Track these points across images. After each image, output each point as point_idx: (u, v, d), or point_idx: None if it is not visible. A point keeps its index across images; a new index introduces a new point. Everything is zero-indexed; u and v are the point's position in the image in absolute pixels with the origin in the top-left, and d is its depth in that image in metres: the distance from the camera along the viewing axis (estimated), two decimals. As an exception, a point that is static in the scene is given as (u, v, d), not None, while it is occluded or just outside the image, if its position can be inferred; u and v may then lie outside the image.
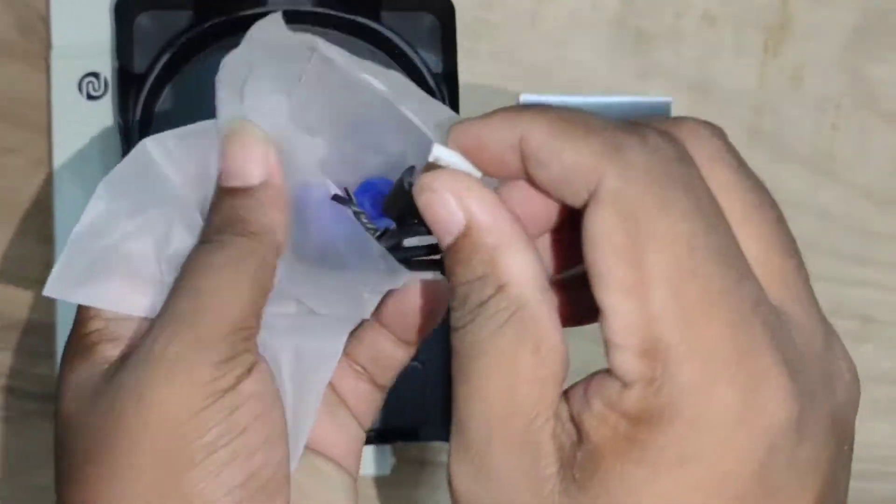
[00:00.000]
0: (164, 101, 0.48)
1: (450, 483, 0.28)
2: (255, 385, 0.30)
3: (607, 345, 0.26)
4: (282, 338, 0.33)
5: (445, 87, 0.47)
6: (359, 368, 0.37)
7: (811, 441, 0.26)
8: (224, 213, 0.31)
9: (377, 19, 0.48)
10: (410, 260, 0.33)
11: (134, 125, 0.47)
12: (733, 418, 0.25)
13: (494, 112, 0.28)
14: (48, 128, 0.49)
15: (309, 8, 0.48)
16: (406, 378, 0.47)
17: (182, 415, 0.29)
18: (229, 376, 0.29)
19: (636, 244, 0.26)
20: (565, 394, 0.27)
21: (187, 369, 0.29)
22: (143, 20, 0.47)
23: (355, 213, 0.34)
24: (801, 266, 0.28)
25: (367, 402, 0.37)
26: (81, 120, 0.48)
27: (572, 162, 0.26)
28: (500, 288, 0.27)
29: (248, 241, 0.31)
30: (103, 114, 0.48)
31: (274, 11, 0.47)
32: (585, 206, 0.26)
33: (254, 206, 0.31)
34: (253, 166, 0.32)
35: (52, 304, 0.48)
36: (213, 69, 0.47)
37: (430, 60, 0.48)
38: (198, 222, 0.32)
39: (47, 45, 0.49)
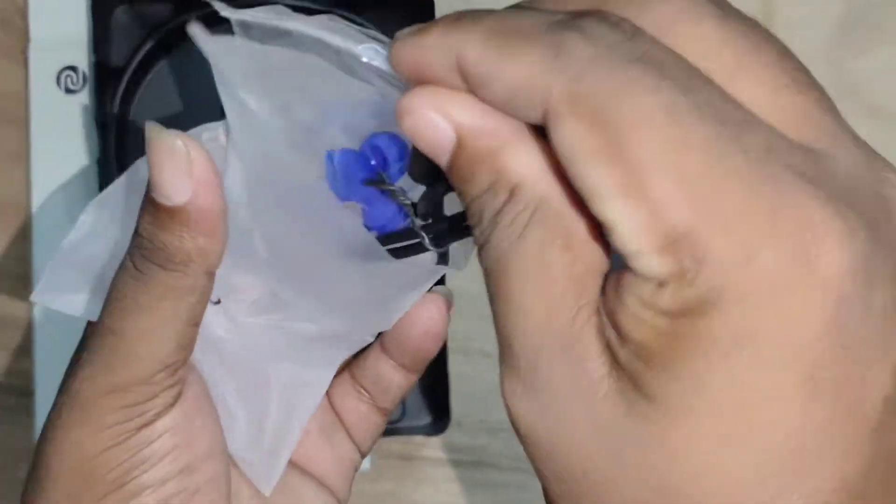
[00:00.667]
0: (142, 95, 0.47)
1: (508, 412, 0.26)
2: (175, 419, 0.31)
3: (625, 256, 0.23)
4: (271, 356, 0.32)
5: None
6: (361, 390, 0.36)
7: (885, 281, 0.23)
8: (148, 234, 0.29)
9: (359, 14, 0.48)
10: (446, 233, 0.30)
11: (112, 119, 0.46)
12: (784, 282, 0.22)
13: (432, 24, 0.26)
14: (25, 121, 0.49)
15: (289, 2, 0.47)
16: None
17: (91, 453, 0.30)
18: (145, 416, 0.30)
19: (611, 141, 0.23)
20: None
21: (98, 413, 0.30)
22: (121, 14, 0.47)
23: (390, 192, 0.31)
24: (822, 98, 0.25)
25: (366, 426, 0.36)
26: (59, 114, 0.48)
27: (514, 79, 0.24)
28: (513, 190, 0.24)
29: (171, 277, 0.29)
30: (81, 108, 0.48)
31: (253, 6, 0.47)
32: (546, 123, 0.24)
33: (177, 230, 0.29)
34: (176, 182, 0.29)
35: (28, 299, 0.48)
36: (192, 63, 0.48)
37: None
38: None
39: (25, 38, 0.48)
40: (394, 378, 0.35)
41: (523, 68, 0.24)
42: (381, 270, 0.31)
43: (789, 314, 0.22)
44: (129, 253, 0.30)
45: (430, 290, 0.33)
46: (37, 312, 0.48)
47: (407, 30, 0.26)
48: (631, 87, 0.23)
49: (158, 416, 0.30)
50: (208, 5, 0.47)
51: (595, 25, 0.24)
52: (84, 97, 0.48)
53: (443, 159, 0.25)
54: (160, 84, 0.47)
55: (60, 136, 0.48)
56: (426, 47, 0.25)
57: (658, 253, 0.23)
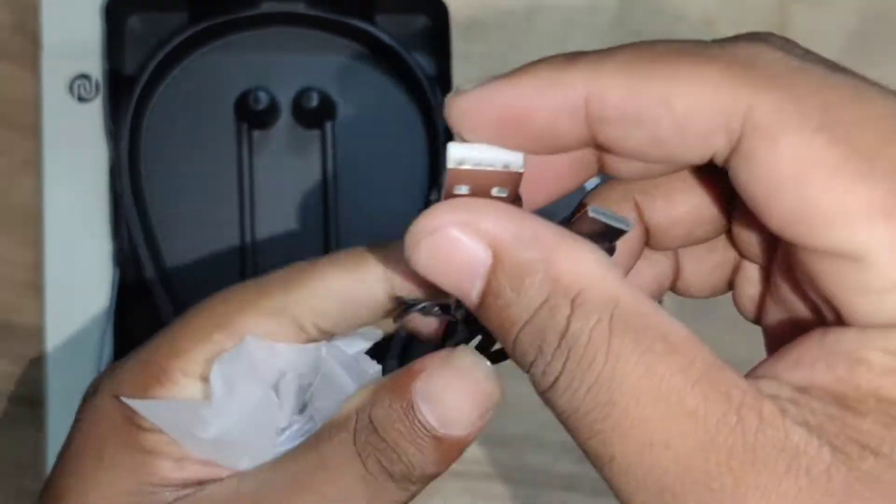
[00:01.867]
0: (155, 104, 0.47)
1: None
2: None
3: (860, 293, 0.19)
4: None
5: (439, 89, 0.47)
6: None
7: None
8: (394, 437, 0.25)
9: (371, 21, 0.48)
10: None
11: (124, 128, 0.46)
12: None
13: (522, 71, 0.21)
14: (37, 129, 0.48)
15: (302, 10, 0.47)
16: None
17: None
18: None
19: (862, 155, 0.19)
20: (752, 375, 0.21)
21: None
22: (135, 22, 0.47)
23: None
24: None
25: None
26: (72, 122, 0.47)
27: (691, 107, 0.20)
28: (576, 298, 0.20)
29: (401, 491, 0.26)
30: (94, 116, 0.47)
31: (266, 13, 0.47)
32: (738, 147, 0.20)
33: (428, 454, 0.25)
34: (458, 420, 0.25)
35: (40, 307, 0.48)
36: (205, 72, 0.47)
37: (423, 62, 0.48)
38: None
39: (38, 46, 0.48)
40: None
41: (705, 88, 0.20)
42: None
43: None
44: (362, 454, 0.25)
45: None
46: (48, 322, 0.48)
47: (471, 83, 0.22)
48: (862, 97, 0.20)
49: None
50: (221, 13, 0.47)
51: (769, 37, 0.21)
52: (97, 106, 0.47)
53: (474, 288, 0.21)
54: (173, 93, 0.47)
55: (73, 144, 0.47)
56: (532, 89, 0.21)
57: None
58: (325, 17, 0.47)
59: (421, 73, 0.47)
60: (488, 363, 0.25)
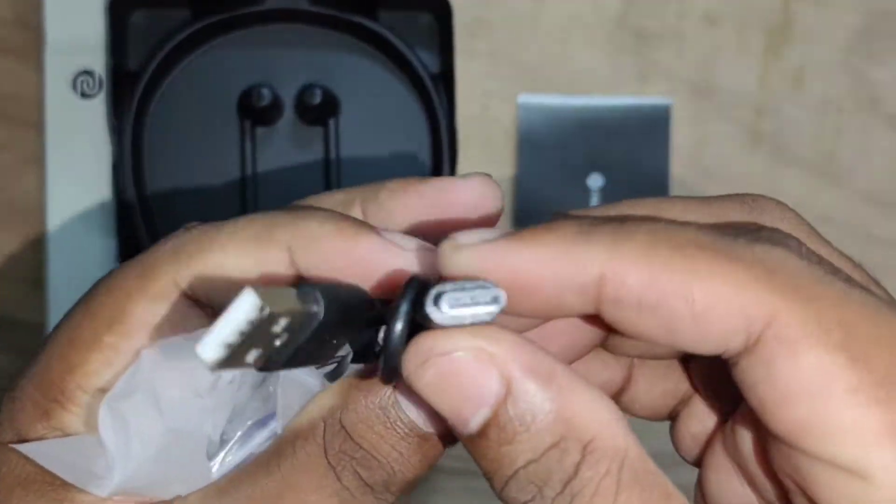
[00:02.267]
0: (158, 101, 0.47)
1: None
2: None
3: None
4: None
5: (442, 86, 0.47)
6: None
7: None
8: (373, 441, 0.23)
9: (374, 18, 0.48)
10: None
11: (128, 125, 0.46)
12: None
13: (532, 236, 0.20)
14: (40, 125, 0.48)
15: (305, 7, 0.47)
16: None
17: None
18: None
19: (880, 379, 0.19)
20: None
21: None
22: (138, 18, 0.47)
23: None
24: None
25: None
26: (75, 118, 0.47)
27: (712, 305, 0.19)
28: (587, 447, 0.20)
29: (379, 500, 0.24)
30: (98, 113, 0.47)
31: (270, 10, 0.47)
32: (741, 353, 0.20)
33: (409, 455, 0.23)
34: (469, 415, 0.21)
35: (43, 304, 0.48)
36: (209, 68, 0.47)
37: (427, 60, 0.47)
38: None
39: (41, 41, 0.48)
40: None
41: (729, 289, 0.19)
42: None
43: None
44: (336, 467, 0.23)
45: None
46: (50, 317, 0.48)
47: (469, 235, 0.20)
48: (880, 317, 0.20)
49: None
50: (225, 10, 0.47)
51: (788, 240, 0.21)
52: (100, 102, 0.47)
53: (475, 418, 0.20)
54: (176, 89, 0.47)
55: (76, 140, 0.47)
56: (539, 259, 0.20)
57: None
58: (329, 14, 0.47)
59: (424, 71, 0.47)
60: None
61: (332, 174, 0.48)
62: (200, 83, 0.47)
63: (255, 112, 0.47)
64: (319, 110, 0.47)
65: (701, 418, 0.26)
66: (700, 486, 0.26)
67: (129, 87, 0.46)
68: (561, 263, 0.20)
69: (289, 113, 0.48)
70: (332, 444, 0.23)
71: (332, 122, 0.48)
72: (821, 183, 0.53)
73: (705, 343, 0.20)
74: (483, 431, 0.20)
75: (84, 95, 0.48)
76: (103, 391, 0.24)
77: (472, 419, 0.20)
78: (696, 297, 0.20)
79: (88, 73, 0.48)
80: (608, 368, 0.26)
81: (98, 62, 0.47)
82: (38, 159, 0.49)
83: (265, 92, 0.47)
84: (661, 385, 0.26)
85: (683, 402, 0.26)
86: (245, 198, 0.47)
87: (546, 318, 0.22)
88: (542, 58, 0.52)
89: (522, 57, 0.52)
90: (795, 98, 0.53)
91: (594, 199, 0.52)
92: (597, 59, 0.52)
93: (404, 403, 0.22)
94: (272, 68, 0.47)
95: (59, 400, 0.24)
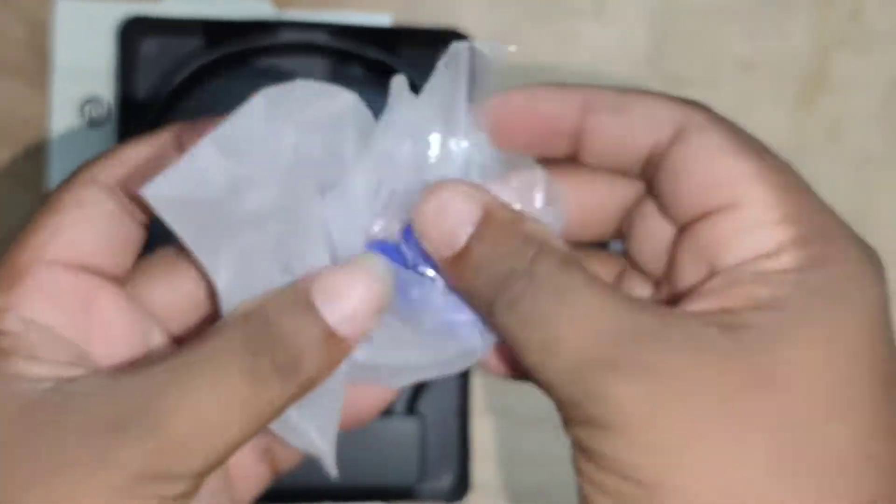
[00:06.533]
0: (167, 130, 0.46)
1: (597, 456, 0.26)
2: None
3: (748, 230, 0.27)
4: None
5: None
6: (266, 445, 0.32)
7: None
8: (291, 333, 0.27)
9: (393, 54, 0.46)
10: None
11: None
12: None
13: (534, 85, 0.30)
14: (45, 151, 0.47)
15: (322, 41, 0.46)
16: (402, 431, 0.45)
17: None
18: None
19: (750, 146, 0.28)
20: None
21: (134, 495, 0.25)
22: (149, 45, 0.46)
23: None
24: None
25: (254, 484, 0.32)
26: (81, 145, 0.46)
27: (656, 105, 0.29)
28: (541, 245, 0.27)
29: (286, 391, 0.27)
30: (105, 141, 0.46)
31: (285, 43, 0.46)
32: (677, 135, 0.28)
33: (321, 355, 0.27)
34: (355, 316, 0.27)
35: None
36: (221, 100, 0.46)
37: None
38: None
39: (49, 65, 0.47)
40: None
41: (665, 102, 0.29)
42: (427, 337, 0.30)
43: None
44: (247, 337, 0.27)
45: None
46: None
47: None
48: (739, 134, 0.29)
49: None
50: (239, 41, 0.45)
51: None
52: (108, 130, 0.46)
53: (462, 236, 0.28)
54: (187, 120, 0.46)
55: (81, 168, 0.46)
56: (544, 95, 0.29)
57: (781, 222, 0.27)
58: (346, 49, 0.46)
59: (442, 110, 0.45)
60: (387, 264, 0.29)
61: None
62: (211, 114, 0.46)
63: (266, 146, 0.46)
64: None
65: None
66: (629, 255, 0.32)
67: (138, 116, 0.45)
68: (556, 96, 0.29)
69: (301, 148, 0.46)
70: (252, 328, 0.27)
71: (345, 160, 0.46)
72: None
73: (648, 134, 0.29)
74: (466, 248, 0.28)
75: (91, 122, 0.46)
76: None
77: (460, 236, 0.28)
78: (646, 102, 0.29)
79: (97, 100, 0.46)
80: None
81: (107, 89, 0.46)
82: (41, 185, 0.47)
83: (277, 126, 0.45)
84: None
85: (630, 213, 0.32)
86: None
87: (545, 149, 0.30)
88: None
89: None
90: (830, 150, 0.51)
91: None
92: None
93: (321, 302, 0.27)
94: (285, 102, 0.46)
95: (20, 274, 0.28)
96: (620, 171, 0.30)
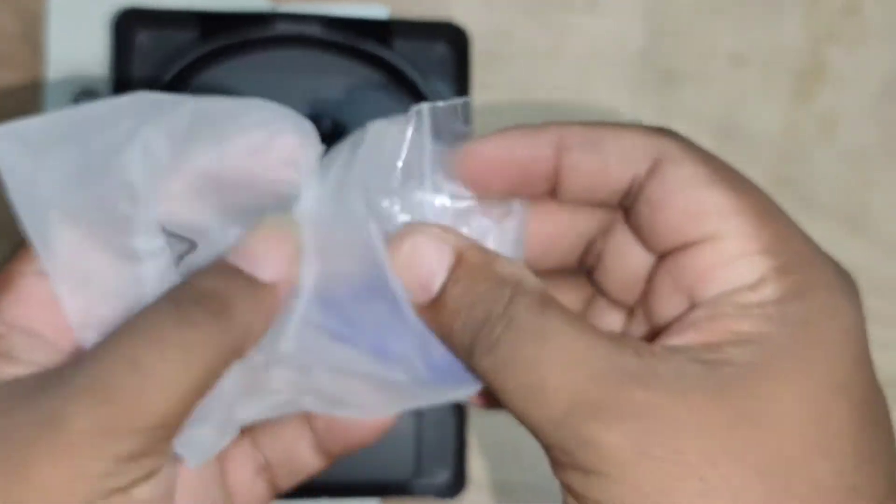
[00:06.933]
0: (161, 123, 0.46)
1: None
2: (150, 493, 0.27)
3: (723, 265, 0.27)
4: None
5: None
6: (263, 462, 0.32)
7: None
8: (212, 284, 0.28)
9: (388, 47, 0.46)
10: None
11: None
12: None
13: (505, 130, 0.29)
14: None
15: (317, 33, 0.46)
16: (399, 427, 0.45)
17: (60, 500, 0.25)
18: (125, 476, 0.26)
19: (726, 176, 0.28)
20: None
21: (86, 455, 0.25)
22: (144, 38, 0.46)
23: None
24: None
25: (252, 503, 0.32)
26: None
27: (630, 140, 0.29)
28: (516, 286, 0.27)
29: (221, 333, 0.27)
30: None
31: (280, 35, 0.46)
32: (655, 167, 0.28)
33: (250, 300, 0.28)
34: (275, 264, 0.29)
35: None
36: (214, 92, 0.46)
37: (441, 91, 0.46)
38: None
39: (43, 58, 0.47)
40: (309, 461, 0.33)
41: (638, 135, 0.29)
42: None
43: None
44: (178, 288, 0.28)
45: None
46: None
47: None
48: (713, 163, 0.29)
49: (135, 483, 0.26)
50: (234, 33, 0.45)
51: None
52: (101, 123, 0.46)
53: (436, 282, 0.28)
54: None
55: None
56: (517, 138, 0.29)
57: (760, 253, 0.27)
58: (341, 42, 0.46)
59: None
60: (294, 219, 0.29)
61: (338, 207, 0.46)
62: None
63: (261, 139, 0.45)
64: (327, 140, 0.46)
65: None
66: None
67: (132, 109, 0.45)
68: (531, 138, 0.29)
69: (296, 141, 0.46)
70: (182, 292, 0.28)
71: (340, 153, 0.46)
72: (848, 234, 0.51)
73: (625, 167, 0.29)
74: (441, 293, 0.28)
75: (85, 115, 0.46)
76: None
77: (434, 283, 0.28)
78: (620, 136, 0.29)
79: (91, 92, 0.46)
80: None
81: (101, 81, 0.46)
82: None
83: (272, 119, 0.45)
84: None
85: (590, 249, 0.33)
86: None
87: (522, 190, 0.30)
88: (561, 93, 0.50)
89: (541, 91, 0.50)
90: (824, 145, 0.51)
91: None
92: (618, 97, 0.51)
93: (237, 257, 0.28)
94: (280, 95, 0.45)
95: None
96: (597, 204, 0.30)
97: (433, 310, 0.28)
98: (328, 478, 0.44)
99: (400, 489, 0.46)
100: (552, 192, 0.30)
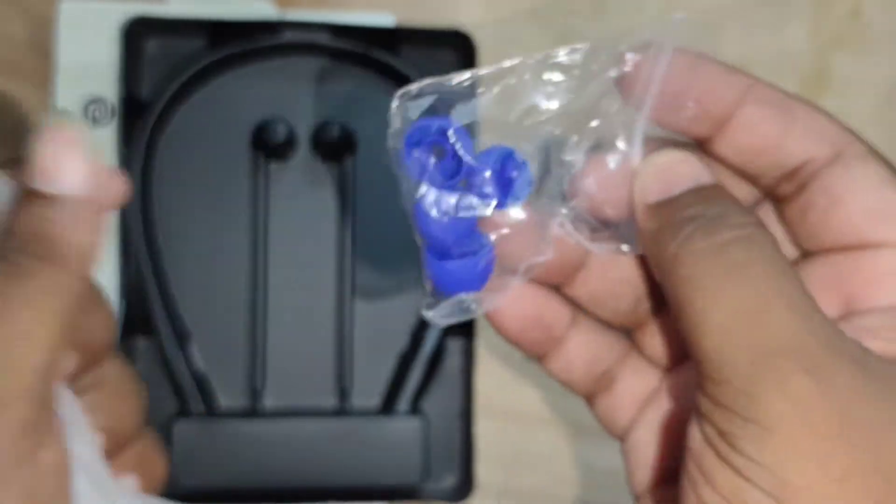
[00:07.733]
0: (170, 131, 0.46)
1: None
2: (54, 454, 0.25)
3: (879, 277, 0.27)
4: None
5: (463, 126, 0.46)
6: None
7: None
8: (27, 225, 0.26)
9: (396, 54, 0.46)
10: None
11: (138, 155, 0.45)
12: None
13: (704, 54, 0.29)
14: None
15: (325, 41, 0.46)
16: (406, 430, 0.45)
17: None
18: (27, 442, 0.24)
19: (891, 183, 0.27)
20: None
21: None
22: (152, 46, 0.46)
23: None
24: None
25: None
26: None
27: (821, 120, 0.28)
28: (759, 221, 0.26)
29: (54, 272, 0.26)
30: (108, 141, 0.46)
31: (288, 43, 0.46)
32: (829, 161, 0.27)
33: (63, 220, 0.26)
34: (70, 173, 0.26)
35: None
36: (224, 100, 0.46)
37: (448, 98, 0.46)
38: None
39: (53, 66, 0.47)
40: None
41: (830, 120, 0.28)
42: None
43: None
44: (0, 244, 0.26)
45: None
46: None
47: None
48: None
49: (37, 446, 0.25)
50: (242, 41, 0.46)
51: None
52: (110, 130, 0.46)
53: (682, 186, 0.27)
54: (189, 120, 0.46)
55: (84, 169, 0.46)
56: (718, 70, 0.28)
57: None
58: (349, 49, 0.46)
59: (445, 110, 0.45)
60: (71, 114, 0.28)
61: (347, 214, 0.46)
62: (214, 114, 0.46)
63: (269, 146, 0.46)
64: (336, 147, 0.46)
65: (632, 385, 0.31)
66: (627, 455, 0.30)
67: (141, 116, 0.45)
68: (723, 75, 0.28)
69: (304, 148, 0.46)
70: (13, 230, 0.26)
71: (348, 160, 0.46)
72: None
73: (809, 142, 0.27)
74: (680, 195, 0.27)
75: (95, 123, 0.46)
76: None
77: (677, 186, 0.27)
78: (810, 115, 0.28)
79: (100, 100, 0.46)
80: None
81: (110, 89, 0.46)
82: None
83: (280, 126, 0.45)
84: (594, 348, 0.31)
85: (607, 376, 0.31)
86: (255, 233, 0.46)
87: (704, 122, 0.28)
88: (568, 100, 0.51)
89: (547, 99, 0.50)
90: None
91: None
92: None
93: (43, 186, 0.26)
94: (289, 102, 0.46)
95: None
96: (749, 175, 0.29)
97: (663, 208, 0.27)
98: (335, 482, 0.45)
99: (407, 493, 0.46)
100: (709, 140, 0.28)
